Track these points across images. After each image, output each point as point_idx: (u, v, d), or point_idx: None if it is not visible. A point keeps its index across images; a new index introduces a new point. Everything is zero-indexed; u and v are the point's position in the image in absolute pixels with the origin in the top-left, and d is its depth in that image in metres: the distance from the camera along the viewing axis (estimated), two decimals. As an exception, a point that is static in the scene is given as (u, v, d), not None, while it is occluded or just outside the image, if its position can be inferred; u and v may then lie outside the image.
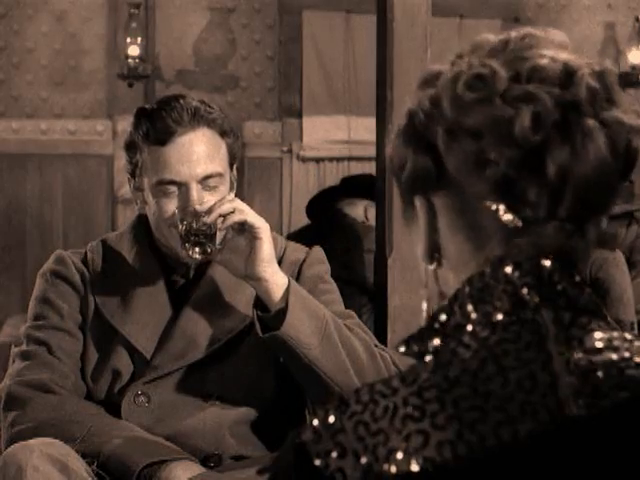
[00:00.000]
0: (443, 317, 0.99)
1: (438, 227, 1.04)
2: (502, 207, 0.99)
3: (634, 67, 5.82)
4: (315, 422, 0.93)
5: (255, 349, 2.12)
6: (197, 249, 2.05)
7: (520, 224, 0.98)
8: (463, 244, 1.02)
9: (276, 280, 2.06)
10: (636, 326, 3.83)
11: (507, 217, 0.99)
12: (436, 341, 0.97)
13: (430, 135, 1.02)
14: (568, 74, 0.99)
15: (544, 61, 0.99)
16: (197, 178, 2.08)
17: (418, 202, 1.05)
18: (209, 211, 2.05)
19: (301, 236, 3.79)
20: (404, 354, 0.98)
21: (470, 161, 0.99)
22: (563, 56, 1.01)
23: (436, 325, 0.99)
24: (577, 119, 0.97)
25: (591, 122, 0.98)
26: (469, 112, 1.00)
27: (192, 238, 2.05)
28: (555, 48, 1.01)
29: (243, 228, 2.06)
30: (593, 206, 0.99)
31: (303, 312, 2.05)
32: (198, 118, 2.10)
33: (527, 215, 0.98)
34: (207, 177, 2.09)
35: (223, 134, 2.14)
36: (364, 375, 2.07)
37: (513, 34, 1.03)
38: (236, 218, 2.05)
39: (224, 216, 2.05)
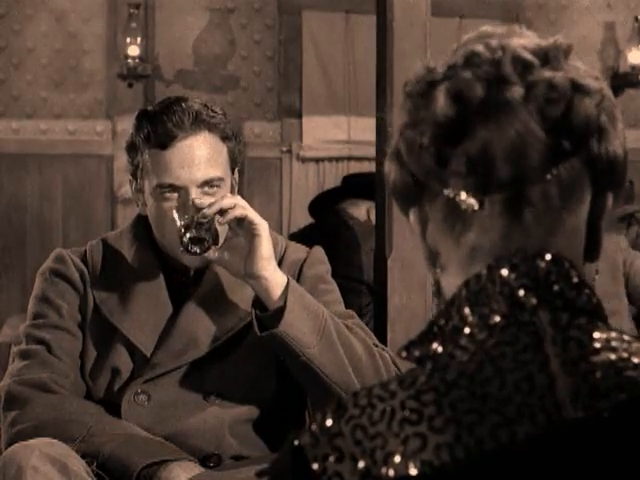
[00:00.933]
0: (441, 321, 0.99)
1: (431, 235, 1.05)
2: (463, 193, 1.00)
3: (634, 67, 5.83)
4: (313, 426, 0.93)
5: (255, 348, 2.12)
6: (196, 244, 2.04)
7: (476, 207, 1.00)
8: (453, 250, 1.03)
9: (275, 278, 2.06)
10: None
11: (469, 201, 1.00)
12: (435, 345, 0.98)
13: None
14: (498, 53, 1.01)
15: (479, 47, 1.01)
16: (197, 183, 2.09)
17: (412, 214, 1.06)
18: (210, 205, 2.05)
19: (304, 235, 3.81)
20: (405, 359, 0.98)
21: (416, 153, 1.01)
22: (507, 42, 1.02)
23: (435, 329, 0.99)
24: (501, 94, 0.99)
25: (516, 93, 0.98)
26: (408, 111, 1.04)
27: (191, 232, 2.04)
28: (507, 37, 1.03)
29: (242, 225, 2.06)
30: (525, 173, 0.99)
31: (302, 311, 2.05)
32: (199, 122, 2.10)
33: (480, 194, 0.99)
34: (207, 181, 2.10)
35: (224, 138, 2.14)
36: (363, 374, 2.07)
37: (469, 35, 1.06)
38: (237, 213, 2.05)
39: (224, 211, 2.05)
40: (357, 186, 4.19)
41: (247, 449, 2.14)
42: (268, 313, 2.05)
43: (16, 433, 2.04)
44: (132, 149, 2.15)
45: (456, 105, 0.99)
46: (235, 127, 2.20)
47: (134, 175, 2.17)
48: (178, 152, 2.09)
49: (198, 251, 2.05)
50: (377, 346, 2.16)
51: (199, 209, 2.05)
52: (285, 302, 2.03)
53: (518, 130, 0.98)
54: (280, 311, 2.03)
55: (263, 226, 2.06)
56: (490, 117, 0.98)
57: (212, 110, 2.13)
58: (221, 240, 2.09)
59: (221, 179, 2.12)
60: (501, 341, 0.95)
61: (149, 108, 2.16)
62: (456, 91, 1.00)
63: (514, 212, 0.99)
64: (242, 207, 2.05)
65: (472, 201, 0.99)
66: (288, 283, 2.06)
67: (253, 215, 2.06)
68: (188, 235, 2.04)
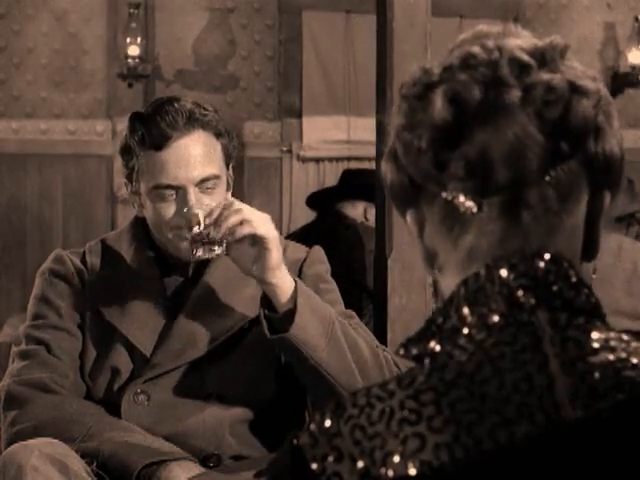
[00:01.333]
0: (440, 320, 0.99)
1: (429, 236, 1.05)
2: (461, 196, 1.00)
3: (634, 67, 5.82)
4: (312, 426, 0.93)
5: (255, 348, 2.12)
6: (207, 255, 2.06)
7: (475, 209, 1.00)
8: (450, 251, 1.03)
9: (284, 284, 2.05)
10: None
11: (467, 204, 1.00)
12: (433, 344, 0.97)
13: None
14: (495, 54, 1.00)
15: (475, 48, 1.01)
16: (194, 181, 2.09)
17: (409, 215, 1.06)
18: (217, 223, 2.03)
19: (303, 235, 3.80)
20: (403, 357, 0.98)
21: (413, 156, 1.01)
22: (504, 42, 1.02)
23: (433, 328, 0.99)
24: (499, 96, 0.98)
25: (514, 95, 0.98)
26: (405, 113, 1.03)
27: (204, 249, 2.05)
28: (504, 38, 1.03)
29: (253, 241, 2.05)
30: (523, 176, 0.99)
31: (311, 314, 2.04)
32: (193, 121, 2.10)
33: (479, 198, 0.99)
34: (204, 180, 2.10)
35: (218, 135, 2.14)
36: (368, 375, 2.07)
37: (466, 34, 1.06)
38: (245, 231, 2.02)
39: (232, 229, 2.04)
40: (354, 186, 4.19)
41: (247, 449, 2.14)
42: (278, 315, 2.04)
43: (16, 433, 2.04)
44: (126, 152, 2.15)
45: (453, 108, 0.99)
46: (228, 124, 2.20)
47: (129, 178, 2.17)
48: (174, 152, 2.09)
49: (210, 257, 2.07)
50: (378, 347, 2.16)
51: (207, 227, 2.04)
52: (295, 305, 2.02)
53: (516, 133, 0.97)
54: (290, 314, 2.02)
55: (272, 239, 2.03)
56: (488, 120, 0.98)
57: (204, 108, 2.13)
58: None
59: (217, 176, 2.12)
60: (500, 341, 0.95)
61: (141, 110, 2.17)
62: (453, 94, 0.99)
63: (512, 215, 0.99)
64: (249, 222, 2.02)
65: (470, 204, 0.99)
66: (296, 286, 2.05)
67: (262, 230, 2.03)
68: (200, 251, 2.05)
